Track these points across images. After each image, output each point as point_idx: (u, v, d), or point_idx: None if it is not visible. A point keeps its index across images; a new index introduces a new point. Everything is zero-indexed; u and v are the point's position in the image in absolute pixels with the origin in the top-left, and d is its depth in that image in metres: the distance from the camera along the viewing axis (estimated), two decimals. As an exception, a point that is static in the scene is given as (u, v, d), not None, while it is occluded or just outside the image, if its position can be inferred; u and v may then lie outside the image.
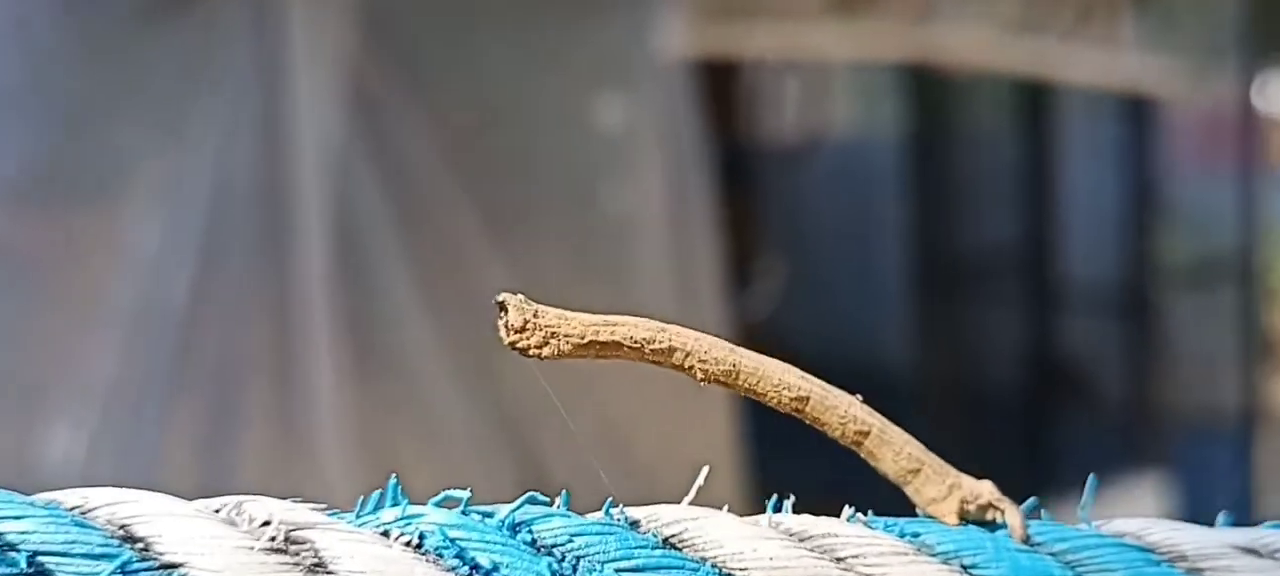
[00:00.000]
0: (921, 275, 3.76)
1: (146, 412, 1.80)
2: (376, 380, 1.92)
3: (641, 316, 0.33)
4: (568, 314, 0.32)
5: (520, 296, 0.32)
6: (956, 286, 3.77)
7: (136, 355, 1.80)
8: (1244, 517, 0.38)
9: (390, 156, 1.96)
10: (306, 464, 1.82)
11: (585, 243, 2.39)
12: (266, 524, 0.29)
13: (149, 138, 1.83)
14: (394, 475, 0.33)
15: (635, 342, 0.32)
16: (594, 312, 0.32)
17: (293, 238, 1.86)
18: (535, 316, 0.31)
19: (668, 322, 0.35)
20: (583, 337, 0.32)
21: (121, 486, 0.30)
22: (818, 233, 4.89)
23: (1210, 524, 0.37)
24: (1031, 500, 0.33)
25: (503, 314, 0.32)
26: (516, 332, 0.31)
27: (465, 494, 0.32)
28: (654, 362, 0.32)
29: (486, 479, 1.93)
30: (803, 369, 0.34)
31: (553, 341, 0.32)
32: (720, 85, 3.62)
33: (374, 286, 1.91)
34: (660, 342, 0.32)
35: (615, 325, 0.32)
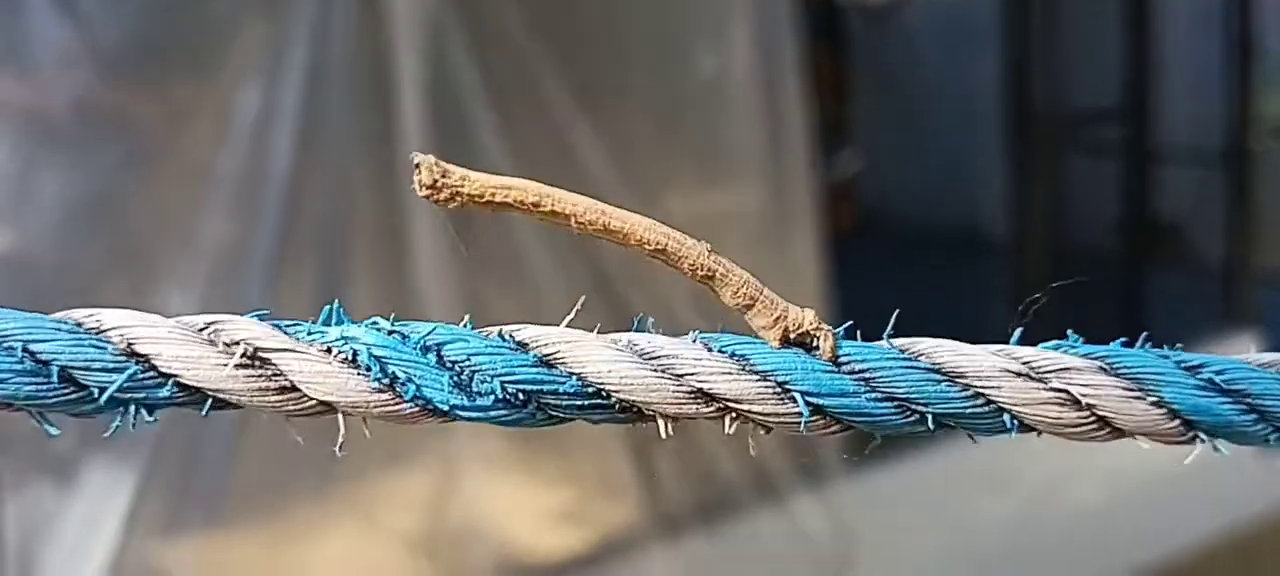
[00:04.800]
0: (1016, 132, 3.71)
1: (255, 275, 1.86)
2: (475, 243, 1.97)
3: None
4: (471, 174, 0.37)
5: (432, 157, 0.37)
6: (1051, 143, 3.71)
7: (243, 221, 1.86)
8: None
9: (482, 25, 1.98)
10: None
11: (675, 105, 2.40)
12: (236, 343, 0.36)
13: (248, 9, 1.87)
14: (336, 301, 0.37)
15: (524, 203, 0.37)
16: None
17: (391, 105, 1.90)
18: (444, 176, 0.37)
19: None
20: (481, 195, 0.37)
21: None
22: (912, 90, 4.83)
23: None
24: (847, 324, 0.39)
25: (417, 172, 0.37)
26: (428, 188, 0.37)
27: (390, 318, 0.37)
28: (541, 219, 0.38)
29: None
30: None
31: (458, 198, 0.37)
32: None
33: (469, 152, 1.95)
34: (546, 205, 0.37)
35: (509, 187, 0.37)
